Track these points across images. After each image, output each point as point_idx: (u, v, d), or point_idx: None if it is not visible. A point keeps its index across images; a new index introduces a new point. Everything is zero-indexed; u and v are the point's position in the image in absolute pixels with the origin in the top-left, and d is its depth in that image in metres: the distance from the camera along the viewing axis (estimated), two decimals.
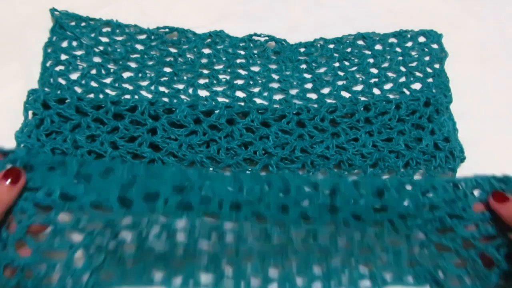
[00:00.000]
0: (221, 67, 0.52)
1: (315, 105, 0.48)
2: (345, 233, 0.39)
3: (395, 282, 0.40)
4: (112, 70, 0.50)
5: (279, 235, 0.38)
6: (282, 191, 0.36)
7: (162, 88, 0.50)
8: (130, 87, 0.49)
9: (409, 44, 0.55)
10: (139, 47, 0.52)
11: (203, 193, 0.35)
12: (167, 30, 0.52)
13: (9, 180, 0.33)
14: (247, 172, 0.44)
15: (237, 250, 0.38)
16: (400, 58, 0.54)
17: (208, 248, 0.38)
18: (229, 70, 0.51)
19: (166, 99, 0.48)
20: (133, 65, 0.51)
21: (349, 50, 0.54)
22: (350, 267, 0.40)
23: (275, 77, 0.51)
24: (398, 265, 0.40)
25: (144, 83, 0.50)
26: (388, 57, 0.54)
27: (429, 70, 0.53)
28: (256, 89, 0.51)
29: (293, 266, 0.39)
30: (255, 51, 0.53)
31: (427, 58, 0.54)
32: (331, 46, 0.54)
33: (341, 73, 0.52)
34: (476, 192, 0.39)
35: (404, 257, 0.40)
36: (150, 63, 0.51)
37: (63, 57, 0.50)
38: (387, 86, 0.52)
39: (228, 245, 0.38)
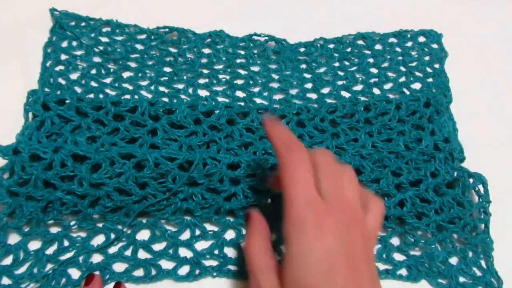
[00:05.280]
0: (221, 67, 0.52)
1: (315, 105, 0.48)
2: None
3: None
4: (112, 70, 0.50)
5: None
6: None
7: (162, 88, 0.50)
8: (130, 87, 0.49)
9: (409, 44, 0.55)
10: (139, 47, 0.52)
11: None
12: (167, 30, 0.52)
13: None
14: None
15: None
16: (400, 58, 0.54)
17: None
18: (229, 70, 0.51)
19: (166, 99, 0.48)
20: (133, 65, 0.51)
21: (349, 50, 0.54)
22: None
23: (275, 77, 0.51)
24: None
25: (144, 83, 0.50)
26: (388, 57, 0.54)
27: (429, 70, 0.53)
28: (256, 89, 0.51)
29: None
30: (255, 51, 0.53)
31: (427, 58, 0.54)
32: (331, 46, 0.54)
33: (341, 73, 0.52)
34: None
35: None
36: (150, 63, 0.51)
37: (63, 57, 0.50)
38: (387, 86, 0.52)
39: None
